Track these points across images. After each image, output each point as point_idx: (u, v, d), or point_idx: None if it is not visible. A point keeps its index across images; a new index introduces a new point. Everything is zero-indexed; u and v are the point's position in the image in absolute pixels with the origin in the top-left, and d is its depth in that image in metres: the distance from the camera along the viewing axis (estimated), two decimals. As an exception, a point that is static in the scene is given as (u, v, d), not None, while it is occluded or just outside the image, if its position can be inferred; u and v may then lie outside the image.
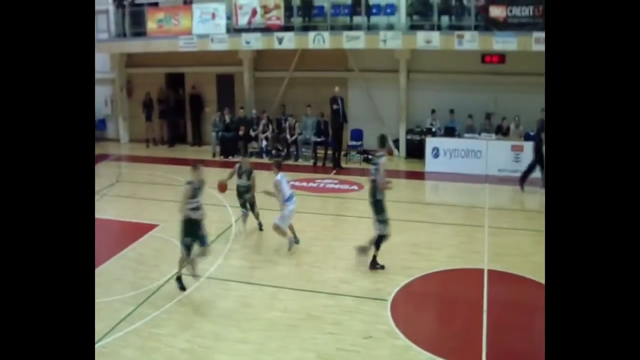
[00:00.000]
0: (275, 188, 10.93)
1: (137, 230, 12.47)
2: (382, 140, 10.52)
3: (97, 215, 13.52)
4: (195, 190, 9.41)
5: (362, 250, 10.25)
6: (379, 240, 10.13)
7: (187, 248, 9.38)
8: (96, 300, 9.24)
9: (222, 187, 11.59)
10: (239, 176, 11.95)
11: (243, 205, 12.14)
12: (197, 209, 9.37)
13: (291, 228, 11.35)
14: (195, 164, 9.97)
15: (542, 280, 9.65)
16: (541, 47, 16.03)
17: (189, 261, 9.53)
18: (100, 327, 8.47)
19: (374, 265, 10.22)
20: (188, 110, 21.84)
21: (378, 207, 10.08)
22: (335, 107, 17.74)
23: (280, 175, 11.01)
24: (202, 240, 9.42)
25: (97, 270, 10.51)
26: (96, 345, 7.99)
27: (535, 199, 15.35)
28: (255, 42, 18.76)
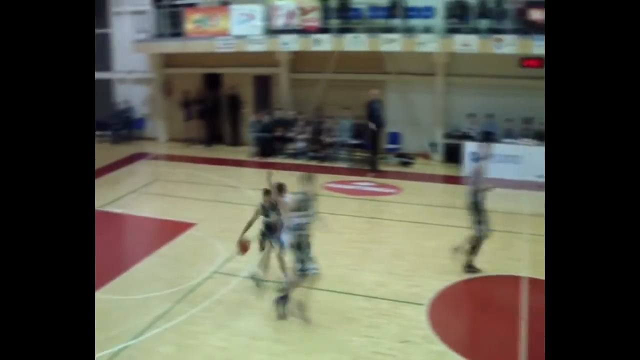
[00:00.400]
0: (283, 209, 9.11)
1: (175, 229, 12.59)
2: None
3: (135, 213, 13.87)
4: (305, 203, 8.51)
5: (456, 249, 10.32)
6: (476, 243, 10.12)
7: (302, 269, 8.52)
8: (134, 297, 9.45)
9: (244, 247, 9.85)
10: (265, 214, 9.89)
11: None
12: (304, 224, 8.49)
13: (266, 263, 9.95)
14: (308, 173, 9.00)
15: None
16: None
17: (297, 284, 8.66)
18: (137, 323, 8.60)
19: (471, 269, 10.25)
20: (225, 110, 21.97)
21: (474, 209, 10.02)
22: (371, 124, 17.64)
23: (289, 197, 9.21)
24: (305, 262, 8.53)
25: (134, 268, 10.70)
26: (133, 342, 8.12)
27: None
28: (293, 43, 18.79)
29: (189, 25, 20.13)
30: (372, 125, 17.59)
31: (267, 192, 9.71)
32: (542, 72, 17.45)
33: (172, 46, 20.96)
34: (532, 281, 9.81)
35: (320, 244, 11.43)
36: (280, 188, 9.49)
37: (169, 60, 22.49)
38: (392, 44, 17.78)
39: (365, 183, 16.53)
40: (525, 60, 17.83)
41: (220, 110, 22.03)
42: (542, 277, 9.91)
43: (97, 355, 7.69)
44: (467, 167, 17.20)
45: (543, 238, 11.75)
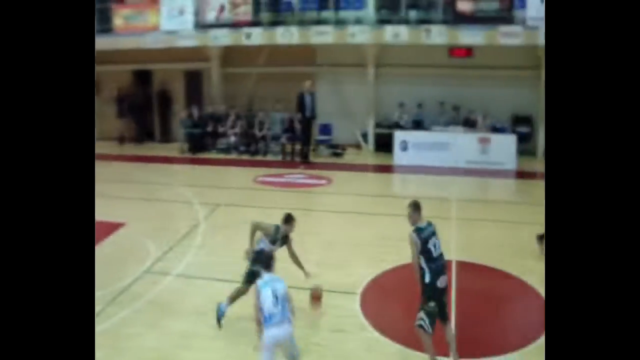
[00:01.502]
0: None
1: (104, 229, 12.28)
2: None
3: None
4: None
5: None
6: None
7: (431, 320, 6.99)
8: (63, 301, 9.17)
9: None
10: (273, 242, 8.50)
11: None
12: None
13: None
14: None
15: (508, 270, 9.80)
16: (508, 41, 16.27)
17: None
18: (67, 327, 8.38)
19: None
20: (156, 107, 21.66)
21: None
22: (301, 113, 17.74)
23: (265, 279, 6.80)
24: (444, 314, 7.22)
25: (63, 270, 10.41)
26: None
27: (503, 190, 15.54)
28: (224, 38, 18.64)
29: (117, 21, 19.72)
30: (301, 114, 17.67)
31: (289, 219, 8.44)
32: (470, 61, 18.09)
33: (100, 43, 20.33)
34: (460, 264, 10.01)
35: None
36: (268, 262, 7.10)
37: (97, 57, 21.87)
38: (323, 36, 17.84)
39: (296, 175, 16.58)
40: (454, 50, 18.19)
41: (151, 106, 21.71)
42: (471, 260, 10.20)
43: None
44: (397, 156, 17.48)
45: (471, 222, 12.11)
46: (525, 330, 8.12)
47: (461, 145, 17.04)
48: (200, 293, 9.25)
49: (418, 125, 18.07)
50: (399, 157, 17.50)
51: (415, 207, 7.21)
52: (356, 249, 10.60)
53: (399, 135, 17.60)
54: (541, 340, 7.65)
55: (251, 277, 7.99)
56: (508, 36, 16.23)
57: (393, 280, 9.83)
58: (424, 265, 6.89)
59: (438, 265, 6.97)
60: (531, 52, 17.32)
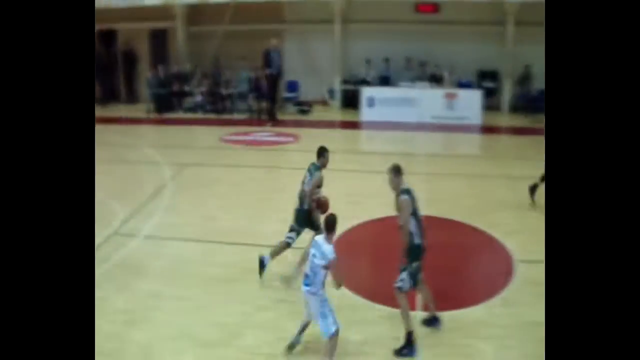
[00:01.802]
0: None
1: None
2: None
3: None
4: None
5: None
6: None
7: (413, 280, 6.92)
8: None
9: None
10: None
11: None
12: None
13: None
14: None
15: (472, 224, 9.96)
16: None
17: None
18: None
19: None
20: (121, 67, 21.33)
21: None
22: (268, 71, 17.60)
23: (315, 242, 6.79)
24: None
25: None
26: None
27: (467, 144, 15.67)
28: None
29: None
30: (268, 71, 17.55)
31: (322, 152, 8.65)
32: (436, 16, 18.06)
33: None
34: (427, 219, 10.09)
35: (220, 198, 11.48)
36: (332, 225, 6.79)
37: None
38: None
39: (263, 133, 16.57)
40: (420, 5, 18.12)
41: (116, 67, 21.36)
42: (436, 214, 10.30)
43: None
44: (364, 112, 17.53)
45: (437, 177, 12.22)
46: (491, 282, 8.32)
47: (427, 101, 17.12)
48: (169, 254, 9.27)
49: (385, 81, 18.07)
50: (365, 113, 17.54)
51: (397, 171, 6.98)
52: (324, 205, 10.64)
53: (365, 92, 17.62)
54: (505, 292, 7.86)
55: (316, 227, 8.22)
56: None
57: (360, 236, 9.93)
58: (413, 228, 6.86)
59: (422, 226, 6.99)
60: (497, 7, 17.32)
